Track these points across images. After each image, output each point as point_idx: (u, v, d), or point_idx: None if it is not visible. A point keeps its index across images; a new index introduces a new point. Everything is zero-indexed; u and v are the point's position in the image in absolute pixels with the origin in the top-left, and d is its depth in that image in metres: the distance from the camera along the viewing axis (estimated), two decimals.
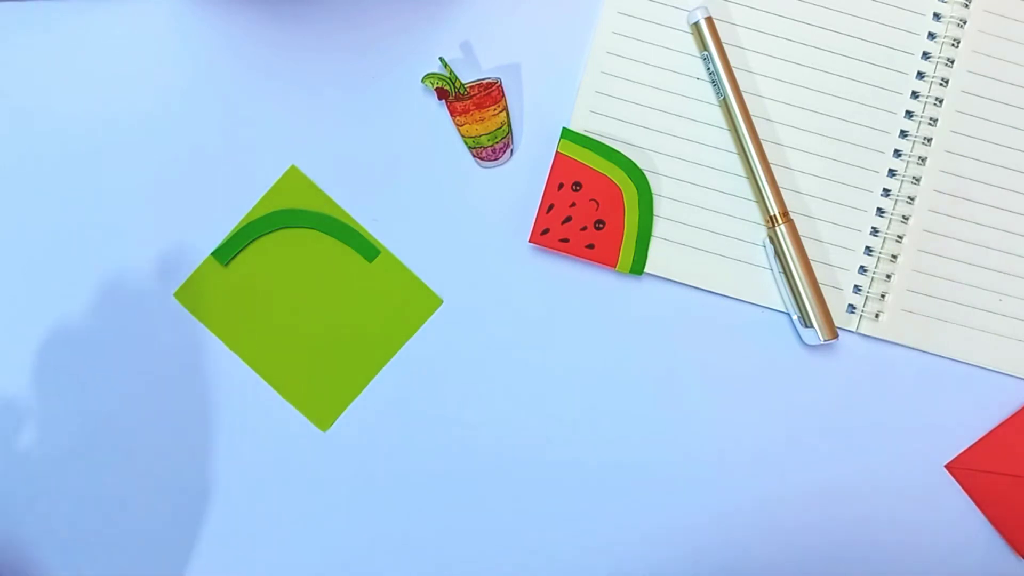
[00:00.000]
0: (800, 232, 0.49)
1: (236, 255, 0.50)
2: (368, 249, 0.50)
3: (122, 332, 0.49)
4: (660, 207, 0.51)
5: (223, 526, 0.49)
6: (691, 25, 0.50)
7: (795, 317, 0.50)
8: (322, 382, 0.50)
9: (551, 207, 0.49)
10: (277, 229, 0.50)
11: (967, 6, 0.51)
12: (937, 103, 0.51)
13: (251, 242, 0.50)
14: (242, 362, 0.50)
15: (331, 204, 0.50)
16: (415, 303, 0.50)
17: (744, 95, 0.50)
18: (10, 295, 0.49)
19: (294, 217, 0.50)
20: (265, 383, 0.50)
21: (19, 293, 0.49)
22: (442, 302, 0.50)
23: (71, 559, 0.49)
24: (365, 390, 0.50)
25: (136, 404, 0.49)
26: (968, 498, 0.51)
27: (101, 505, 0.49)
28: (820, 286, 0.49)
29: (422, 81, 0.49)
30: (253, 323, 0.50)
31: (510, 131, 0.51)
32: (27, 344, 0.49)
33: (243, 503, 0.49)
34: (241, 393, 0.49)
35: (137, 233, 0.50)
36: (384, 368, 0.50)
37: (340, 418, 0.50)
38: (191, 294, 0.50)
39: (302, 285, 0.50)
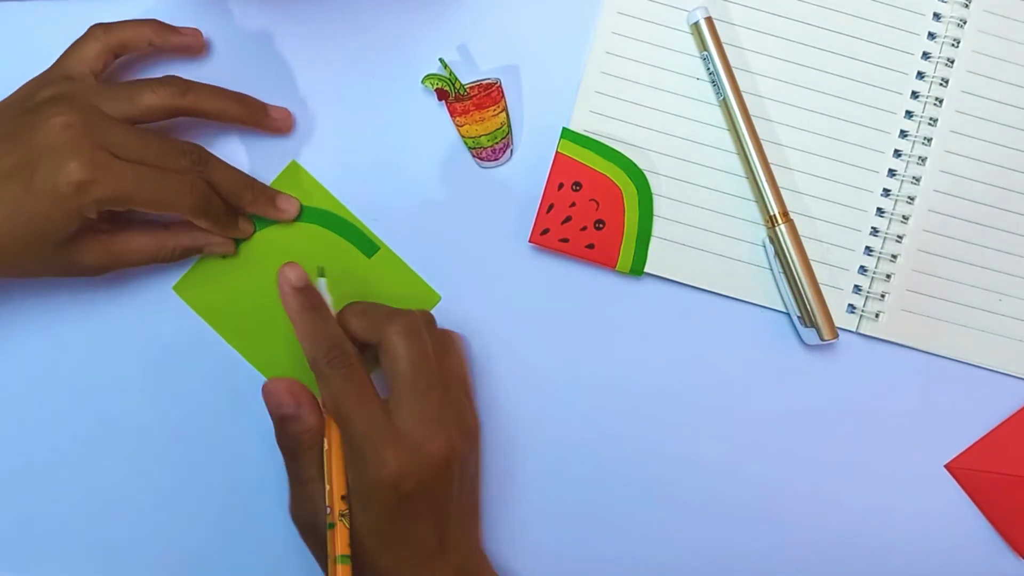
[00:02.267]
0: (800, 232, 0.49)
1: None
2: (367, 244, 0.50)
3: (120, 325, 0.49)
4: (660, 207, 0.51)
5: (221, 523, 0.49)
6: (691, 25, 0.50)
7: (795, 317, 0.50)
8: None
9: (551, 207, 0.49)
10: (276, 223, 0.50)
11: (967, 6, 0.51)
12: (937, 103, 0.51)
13: (250, 236, 0.50)
14: (241, 357, 0.50)
15: (331, 199, 0.50)
16: (414, 299, 0.50)
17: (744, 95, 0.50)
18: (8, 291, 0.49)
19: None
20: (264, 378, 0.49)
21: (17, 289, 0.49)
22: (440, 298, 0.50)
23: (68, 556, 0.49)
24: None
25: (134, 398, 0.49)
26: (968, 498, 0.51)
27: (97, 502, 0.49)
28: (820, 286, 0.49)
29: (422, 82, 0.49)
30: (252, 318, 0.49)
31: (510, 131, 0.51)
32: (24, 339, 0.49)
33: (242, 500, 0.49)
34: (240, 388, 0.49)
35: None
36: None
37: None
38: (190, 288, 0.50)
39: None
